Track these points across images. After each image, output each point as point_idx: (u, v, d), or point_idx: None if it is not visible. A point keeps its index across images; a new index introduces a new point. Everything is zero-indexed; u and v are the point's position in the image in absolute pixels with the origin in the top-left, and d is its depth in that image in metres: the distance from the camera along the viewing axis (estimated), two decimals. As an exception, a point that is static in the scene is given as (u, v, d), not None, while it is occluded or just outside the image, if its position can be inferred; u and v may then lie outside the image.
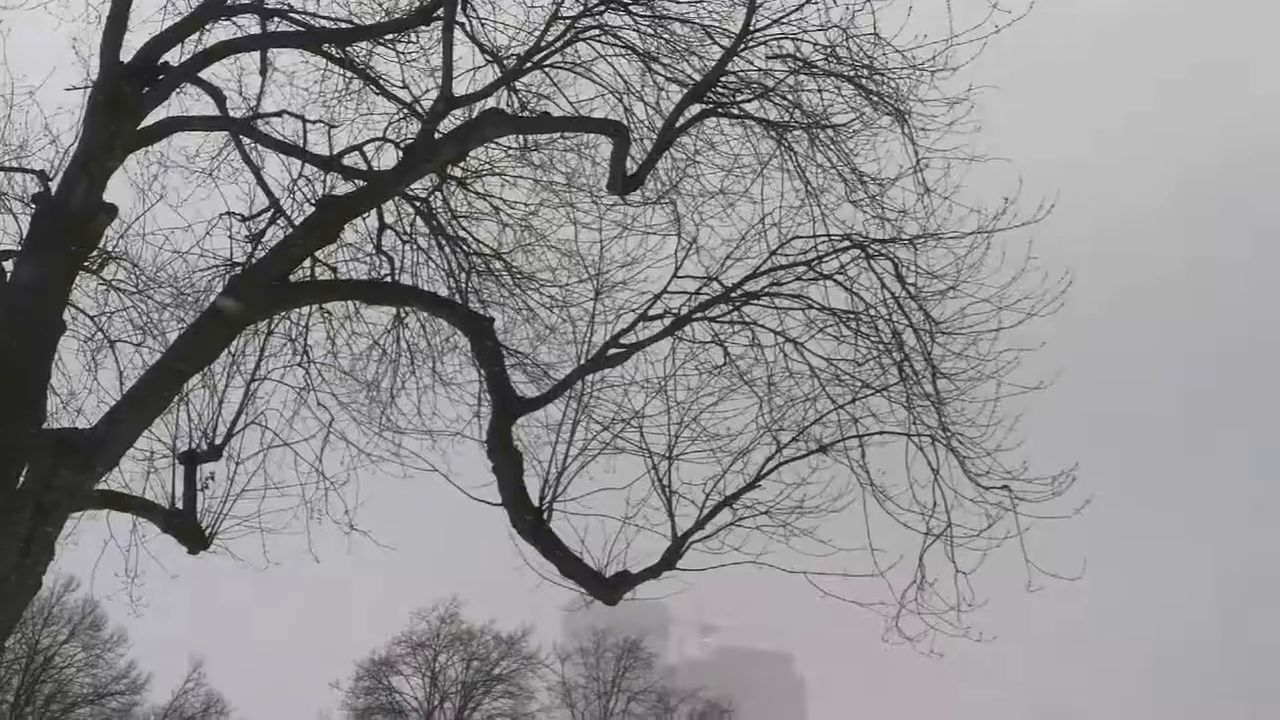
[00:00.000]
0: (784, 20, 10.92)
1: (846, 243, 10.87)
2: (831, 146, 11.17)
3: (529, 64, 11.75)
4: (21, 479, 8.71)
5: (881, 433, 10.61)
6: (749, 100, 11.41)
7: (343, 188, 12.23)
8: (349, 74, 12.60)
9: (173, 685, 34.56)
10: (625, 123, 11.60)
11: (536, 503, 10.29)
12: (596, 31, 11.80)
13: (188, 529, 11.21)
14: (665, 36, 11.69)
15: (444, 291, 12.83)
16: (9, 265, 10.06)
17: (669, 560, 10.33)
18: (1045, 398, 10.43)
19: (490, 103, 11.61)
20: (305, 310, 12.51)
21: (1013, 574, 10.04)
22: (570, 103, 12.27)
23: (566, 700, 38.06)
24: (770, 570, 10.63)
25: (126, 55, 10.59)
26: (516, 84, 12.14)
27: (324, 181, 12.56)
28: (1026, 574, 9.94)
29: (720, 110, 11.46)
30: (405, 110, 12.53)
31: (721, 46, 11.23)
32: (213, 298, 11.23)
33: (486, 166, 12.90)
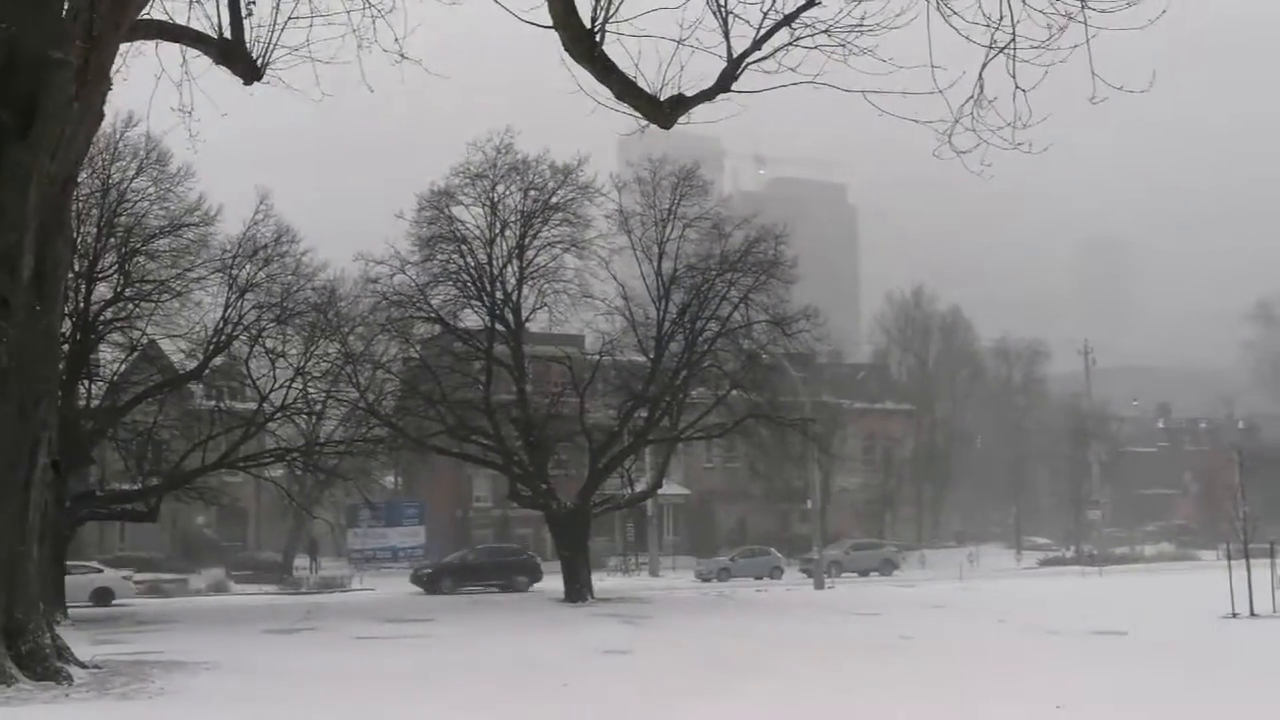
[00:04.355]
0: None
1: None
2: None
3: None
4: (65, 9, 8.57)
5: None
6: None
7: None
8: None
9: (243, 216, 35.61)
10: None
11: (589, 24, 10.05)
12: None
13: (240, 58, 11.17)
14: None
15: None
16: None
17: (725, 82, 10.21)
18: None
19: None
20: None
21: (1074, 90, 9.83)
22: None
23: (624, 227, 38.89)
24: (826, 100, 10.45)
25: None
26: None
27: None
28: (1091, 88, 9.70)
29: None
30: None
31: None
32: None
33: None
